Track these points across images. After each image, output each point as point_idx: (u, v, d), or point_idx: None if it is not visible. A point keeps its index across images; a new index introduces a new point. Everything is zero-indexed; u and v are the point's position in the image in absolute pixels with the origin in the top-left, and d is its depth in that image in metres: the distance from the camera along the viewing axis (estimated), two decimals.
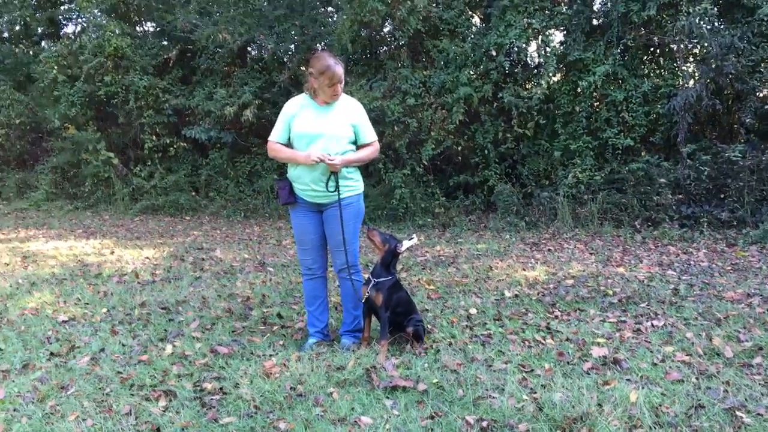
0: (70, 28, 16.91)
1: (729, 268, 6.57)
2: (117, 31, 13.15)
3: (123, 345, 4.47)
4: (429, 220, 10.47)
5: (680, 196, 9.05)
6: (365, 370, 3.76)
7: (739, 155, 8.63)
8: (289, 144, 4.20)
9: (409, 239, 4.30)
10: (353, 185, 4.24)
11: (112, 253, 8.24)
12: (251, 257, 7.84)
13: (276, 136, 4.19)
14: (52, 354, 4.29)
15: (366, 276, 4.39)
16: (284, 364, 3.93)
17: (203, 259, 7.72)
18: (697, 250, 7.54)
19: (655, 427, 3.01)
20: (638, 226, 8.93)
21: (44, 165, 14.89)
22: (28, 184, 15.22)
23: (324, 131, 4.06)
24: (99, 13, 14.28)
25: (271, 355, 4.14)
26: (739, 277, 6.13)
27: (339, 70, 4.00)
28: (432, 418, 3.19)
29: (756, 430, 2.95)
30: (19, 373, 3.96)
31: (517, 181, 10.53)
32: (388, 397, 3.44)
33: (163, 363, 4.07)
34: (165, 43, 14.38)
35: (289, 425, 3.15)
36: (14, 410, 3.42)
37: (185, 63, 14.05)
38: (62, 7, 16.56)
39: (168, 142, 13.68)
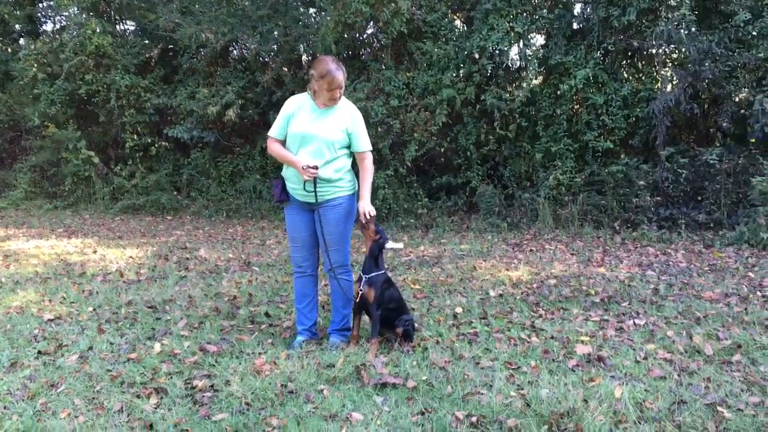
0: (49, 26, 16.77)
1: (707, 268, 6.72)
2: (98, 30, 13.07)
3: (111, 343, 4.47)
4: (412, 220, 10.54)
5: (658, 198, 9.22)
6: (355, 367, 3.81)
7: (716, 158, 8.81)
8: (285, 142, 4.24)
9: (396, 242, 4.37)
10: (344, 185, 4.27)
11: (95, 252, 8.20)
12: (236, 257, 7.85)
13: (274, 132, 4.25)
14: (39, 352, 4.28)
15: (356, 275, 4.44)
16: (274, 362, 3.96)
17: (188, 259, 7.72)
18: (675, 251, 7.68)
19: (639, 422, 3.09)
20: (617, 228, 9.08)
21: (23, 163, 14.74)
22: (6, 182, 15.05)
23: (317, 134, 4.10)
24: (78, 11, 14.17)
25: (260, 353, 4.17)
26: (716, 277, 6.28)
27: (339, 76, 4.05)
28: (422, 414, 3.25)
29: (737, 425, 3.04)
30: (7, 372, 3.94)
31: (499, 183, 10.65)
32: (378, 394, 3.49)
33: (152, 361, 4.08)
34: (146, 42, 14.29)
35: (281, 421, 3.19)
36: (4, 408, 3.41)
37: (167, 62, 13.99)
38: (41, 4, 16.40)
39: (149, 141, 13.62)
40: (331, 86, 4.06)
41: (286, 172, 4.27)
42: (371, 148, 4.39)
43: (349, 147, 4.28)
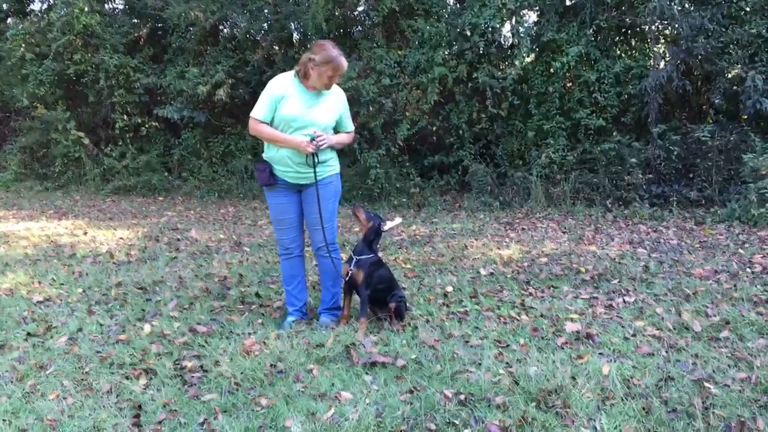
0: (36, 5, 16.51)
1: (697, 245, 6.74)
2: (86, 8, 12.89)
3: (101, 325, 4.45)
4: (404, 200, 10.52)
5: (650, 175, 9.22)
6: (344, 347, 3.81)
7: (708, 135, 8.81)
8: (270, 123, 4.18)
9: (392, 220, 4.38)
10: (332, 164, 4.32)
11: (85, 233, 8.17)
12: (227, 237, 7.83)
13: (260, 114, 4.12)
14: (29, 334, 4.26)
15: (347, 255, 4.45)
16: (264, 342, 3.96)
17: (178, 240, 7.69)
18: (666, 229, 7.70)
19: (626, 399, 3.10)
20: (609, 206, 9.09)
21: (13, 145, 14.60)
22: None
23: (314, 119, 4.09)
24: None
25: (250, 334, 4.16)
26: (707, 254, 6.29)
27: (344, 62, 4.04)
28: (411, 392, 3.25)
29: (723, 400, 3.05)
30: None
31: (491, 161, 10.62)
32: (367, 373, 3.50)
33: (142, 342, 4.08)
34: (135, 21, 14.12)
35: (270, 401, 3.19)
36: None
37: (156, 41, 13.84)
38: None
39: (139, 121, 13.47)
40: (336, 72, 4.03)
41: (274, 155, 4.20)
42: (353, 128, 4.49)
43: (334, 128, 4.28)
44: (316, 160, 4.09)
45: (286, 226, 4.36)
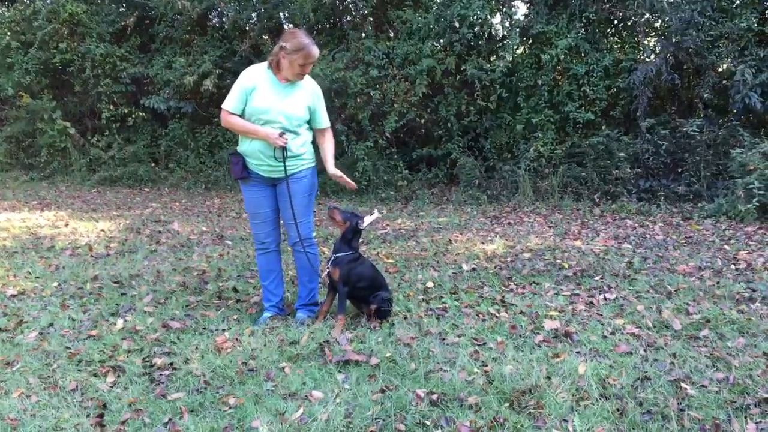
0: None
1: (683, 241, 6.69)
2: None
3: (73, 320, 4.37)
4: (392, 193, 10.43)
5: (639, 170, 9.16)
6: (319, 344, 3.75)
7: (697, 130, 8.75)
8: (242, 115, 4.11)
9: (371, 214, 4.30)
10: (307, 158, 4.23)
11: (67, 225, 8.06)
12: (209, 230, 7.74)
13: (231, 106, 4.07)
14: None
15: (329, 248, 4.40)
16: (237, 339, 3.89)
17: (160, 232, 7.60)
18: (653, 224, 7.65)
19: (601, 399, 3.05)
20: (597, 200, 9.03)
21: None
22: None
23: (284, 111, 4.01)
24: None
25: (224, 330, 4.09)
26: (692, 250, 6.24)
27: (315, 51, 3.97)
28: (383, 391, 3.19)
29: (699, 401, 3.00)
30: None
31: (480, 155, 10.54)
32: (340, 372, 3.43)
33: (113, 338, 4.00)
34: (122, 9, 13.94)
35: (238, 400, 3.12)
36: None
37: (143, 30, 13.65)
38: None
39: (126, 111, 13.30)
40: (307, 60, 3.95)
41: (246, 149, 4.13)
42: (329, 123, 4.36)
43: (308, 122, 4.19)
44: (285, 154, 4.01)
45: (261, 220, 4.28)
